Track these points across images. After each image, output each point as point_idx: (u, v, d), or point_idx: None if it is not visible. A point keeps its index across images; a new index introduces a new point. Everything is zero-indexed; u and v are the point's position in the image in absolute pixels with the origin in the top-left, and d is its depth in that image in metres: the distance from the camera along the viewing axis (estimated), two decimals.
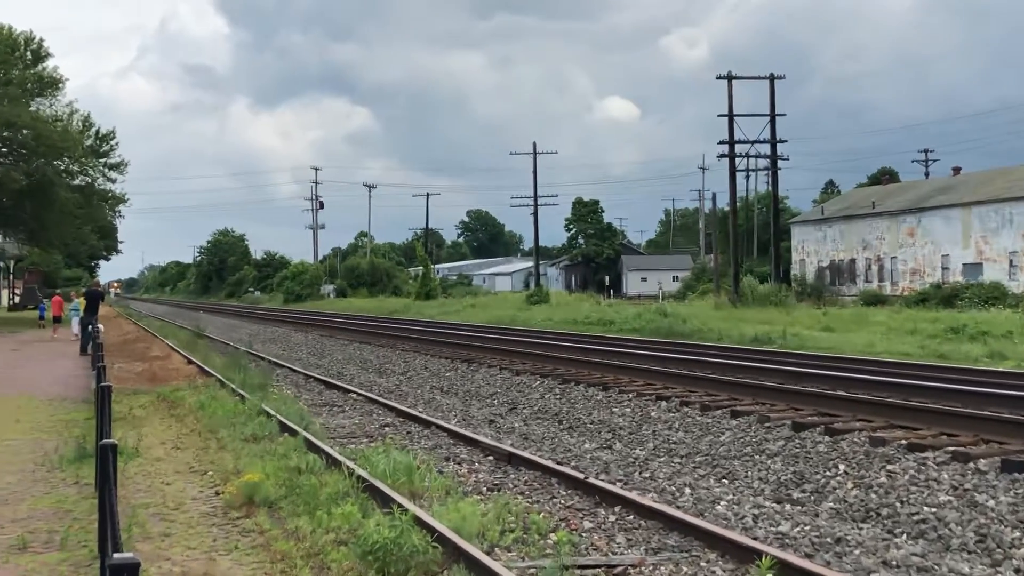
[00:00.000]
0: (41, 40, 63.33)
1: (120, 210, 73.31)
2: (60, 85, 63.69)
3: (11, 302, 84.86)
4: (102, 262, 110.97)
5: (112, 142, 69.69)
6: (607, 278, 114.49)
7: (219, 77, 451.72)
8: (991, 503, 9.34)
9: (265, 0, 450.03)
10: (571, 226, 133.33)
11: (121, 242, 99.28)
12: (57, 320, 40.19)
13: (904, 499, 9.71)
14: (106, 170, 68.04)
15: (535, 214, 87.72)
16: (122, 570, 3.02)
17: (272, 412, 14.87)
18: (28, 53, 63.07)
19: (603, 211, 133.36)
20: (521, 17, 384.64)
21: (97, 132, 68.46)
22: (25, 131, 55.98)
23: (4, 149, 57.38)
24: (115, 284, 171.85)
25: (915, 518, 9.13)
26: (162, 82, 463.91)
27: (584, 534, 8.80)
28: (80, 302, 35.32)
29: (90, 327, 27.69)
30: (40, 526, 8.51)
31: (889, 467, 10.89)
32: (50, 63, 63.79)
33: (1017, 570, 7.73)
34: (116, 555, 3.21)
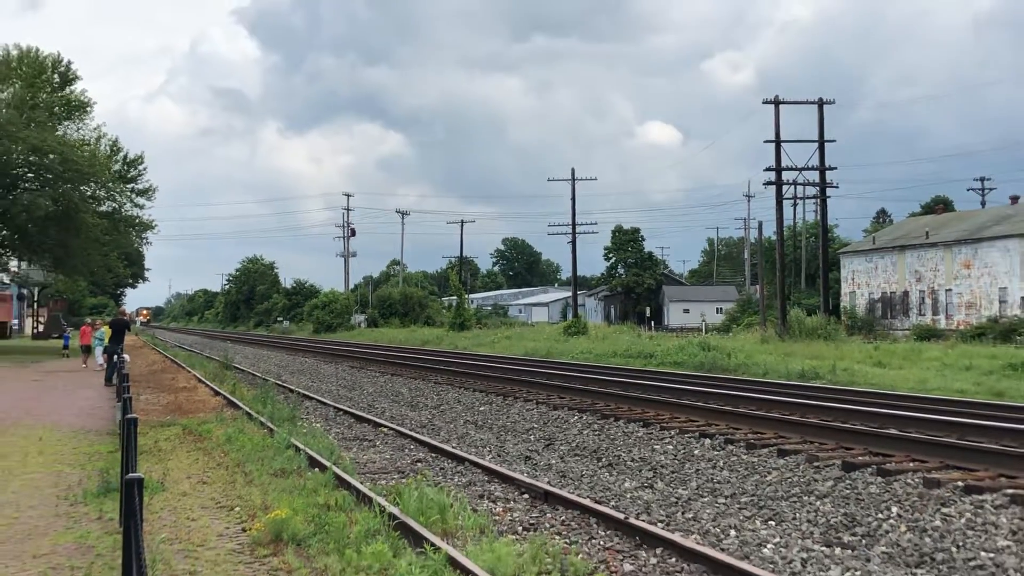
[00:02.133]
0: (69, 63, 64.25)
1: (147, 237, 73.88)
2: (88, 108, 64.56)
3: (35, 331, 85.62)
4: (128, 290, 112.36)
5: (140, 167, 70.50)
6: (648, 309, 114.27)
7: (249, 101, 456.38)
8: None
9: (297, 23, 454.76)
10: (611, 255, 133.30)
11: (148, 269, 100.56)
12: (87, 350, 40.47)
13: (960, 544, 9.60)
14: (134, 196, 68.78)
15: (573, 242, 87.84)
16: None
17: (301, 446, 14.88)
18: (55, 76, 63.96)
19: (644, 239, 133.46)
20: (560, 40, 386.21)
21: (125, 157, 69.28)
22: (51, 156, 56.60)
23: (30, 174, 58.03)
24: (144, 312, 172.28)
25: (972, 563, 9.02)
26: (192, 106, 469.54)
27: None
28: (105, 331, 35.59)
29: (115, 357, 27.91)
30: (62, 562, 8.56)
31: (944, 510, 10.79)
32: (77, 86, 64.70)
33: None
34: None
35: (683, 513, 11.57)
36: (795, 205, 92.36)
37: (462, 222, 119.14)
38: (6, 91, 61.57)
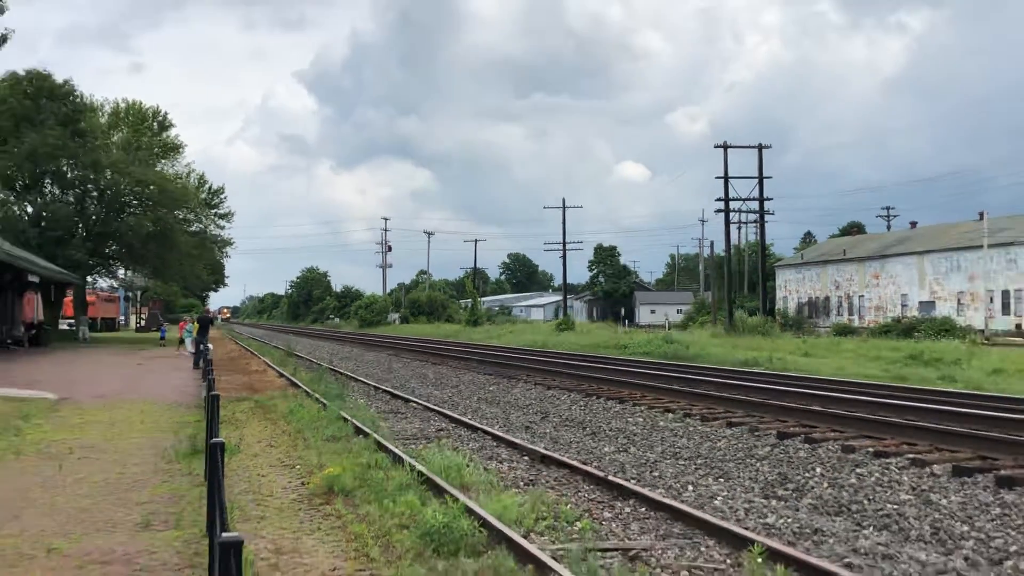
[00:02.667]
0: (166, 113, 64.56)
1: (227, 251, 74.24)
2: (180, 150, 64.88)
3: (137, 325, 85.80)
4: (211, 293, 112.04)
5: (222, 196, 70.79)
6: (623, 310, 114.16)
7: (308, 144, 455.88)
8: (944, 502, 9.21)
9: (346, 83, 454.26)
10: (593, 267, 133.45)
11: (227, 277, 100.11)
12: (182, 341, 40.38)
13: (871, 497, 9.58)
14: (216, 219, 69.04)
15: (563, 257, 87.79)
16: (229, 547, 3.02)
17: (348, 417, 14.89)
18: (155, 124, 64.19)
19: (620, 255, 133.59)
20: (554, 97, 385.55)
21: (210, 188, 69.56)
22: (152, 187, 56.86)
23: (135, 201, 58.22)
24: (224, 311, 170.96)
25: (880, 513, 9.00)
26: (262, 148, 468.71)
27: (604, 523, 8.73)
28: (194, 326, 35.65)
29: (201, 346, 27.94)
30: (160, 508, 8.56)
31: (858, 470, 10.77)
32: (173, 132, 64.98)
33: (966, 558, 7.59)
34: (224, 534, 3.22)
35: (651, 472, 11.55)
36: (740, 228, 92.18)
37: (476, 241, 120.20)
38: (116, 136, 61.78)
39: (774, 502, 9.77)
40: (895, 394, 18.06)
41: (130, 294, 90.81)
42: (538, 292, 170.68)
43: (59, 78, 55.46)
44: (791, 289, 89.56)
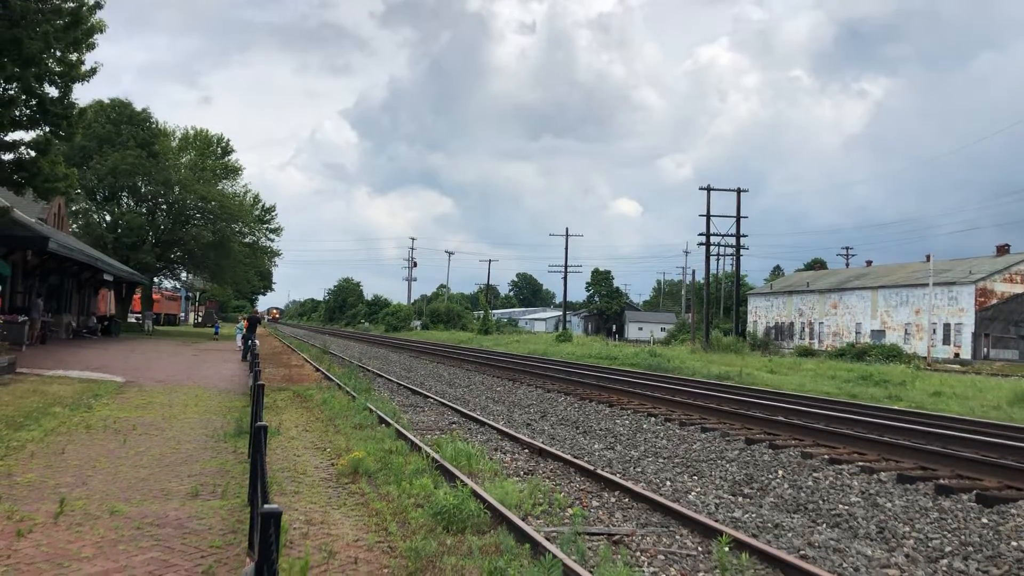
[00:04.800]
0: (228, 140, 65.02)
1: (275, 260, 74.52)
2: (239, 172, 65.30)
3: (196, 321, 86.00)
4: (260, 296, 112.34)
5: (273, 213, 71.16)
6: (614, 326, 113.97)
7: (348, 172, 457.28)
8: (889, 505, 9.13)
9: (384, 121, 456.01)
10: (590, 288, 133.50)
11: (274, 283, 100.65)
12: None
13: (825, 498, 9.50)
14: (267, 232, 69.35)
15: (565, 278, 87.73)
16: (269, 516, 3.01)
17: (373, 408, 14.87)
18: (219, 149, 64.61)
19: (613, 279, 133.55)
20: (561, 140, 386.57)
21: (263, 206, 69.94)
22: (213, 203, 57.16)
23: (198, 215, 58.50)
24: (274, 311, 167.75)
25: (832, 513, 8.93)
26: (309, 174, 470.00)
27: (592, 510, 8.68)
28: (243, 324, 35.68)
29: (249, 342, 27.94)
30: (208, 480, 8.55)
31: (815, 474, 10.69)
32: (233, 156, 65.40)
33: (907, 555, 7.51)
34: (265, 506, 3.20)
35: (634, 468, 11.49)
36: (718, 259, 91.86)
37: (489, 261, 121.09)
38: (185, 158, 62.13)
39: (741, 499, 9.70)
40: (848, 409, 17.95)
41: (190, 294, 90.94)
42: (541, 307, 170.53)
43: (138, 107, 56.04)
44: (760, 314, 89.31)
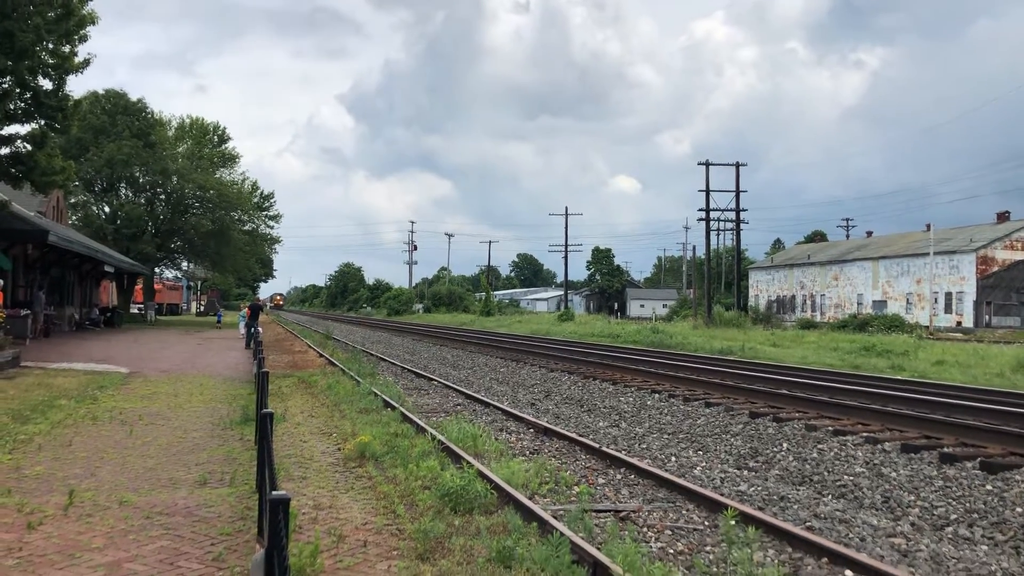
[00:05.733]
0: (225, 128, 64.83)
1: (275, 248, 74.46)
2: (237, 160, 65.14)
3: (198, 310, 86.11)
4: (261, 283, 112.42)
5: (271, 200, 71.04)
6: (615, 304, 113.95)
7: (345, 157, 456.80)
8: (893, 475, 9.16)
9: (380, 105, 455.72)
10: (591, 266, 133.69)
11: (275, 270, 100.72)
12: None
13: (830, 470, 9.54)
14: (267, 219, 69.24)
15: (565, 257, 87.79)
16: (278, 503, 3.02)
17: (378, 392, 14.89)
18: (216, 137, 64.41)
19: (614, 256, 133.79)
20: (559, 119, 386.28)
21: (261, 193, 69.80)
22: (212, 191, 57.06)
23: (197, 204, 58.43)
24: (278, 298, 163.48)
25: (838, 484, 8.96)
26: (306, 159, 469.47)
27: (598, 487, 8.72)
28: (246, 312, 35.69)
29: (252, 329, 27.97)
30: (216, 468, 8.58)
31: (819, 446, 10.73)
32: (230, 144, 65.32)
33: (912, 523, 7.55)
34: (273, 492, 3.21)
35: (639, 445, 11.53)
36: (718, 234, 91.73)
37: (490, 242, 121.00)
38: (182, 147, 61.96)
39: (746, 472, 9.74)
40: (851, 381, 17.98)
41: (191, 283, 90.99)
42: (543, 287, 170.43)
43: (133, 97, 55.80)
44: (762, 288, 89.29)
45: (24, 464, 8.51)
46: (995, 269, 63.59)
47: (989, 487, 8.53)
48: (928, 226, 68.17)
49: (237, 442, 10.16)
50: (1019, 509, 7.80)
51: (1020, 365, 22.00)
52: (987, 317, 62.50)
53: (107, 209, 57.12)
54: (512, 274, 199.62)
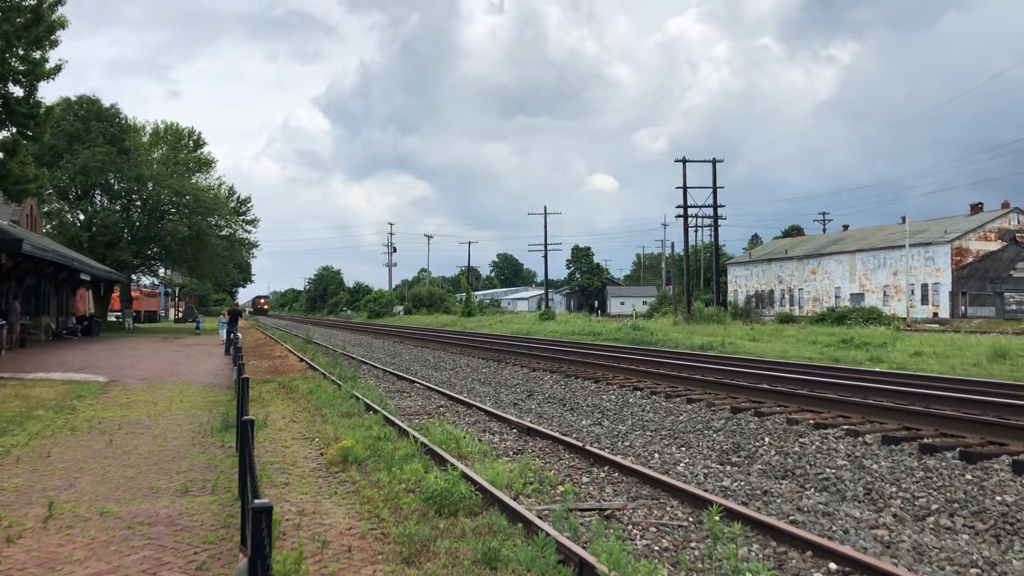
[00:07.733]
0: (200, 133, 64.33)
1: (253, 252, 73.94)
2: (212, 164, 64.59)
3: (176, 316, 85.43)
4: (240, 288, 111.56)
5: (248, 205, 70.36)
6: (596, 302, 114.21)
7: (322, 159, 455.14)
8: (875, 467, 9.23)
9: (356, 107, 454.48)
10: (571, 265, 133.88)
11: (254, 274, 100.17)
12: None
13: (812, 463, 9.60)
14: (244, 224, 68.65)
15: (545, 257, 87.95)
16: (260, 512, 2.98)
17: (360, 396, 14.83)
18: (191, 142, 63.87)
19: (593, 255, 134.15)
20: (535, 119, 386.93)
21: (238, 198, 69.14)
22: (188, 197, 56.61)
23: (173, 209, 57.97)
24: (261, 301, 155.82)
25: (820, 477, 9.02)
26: (283, 163, 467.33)
27: (583, 486, 8.72)
28: (225, 317, 35.47)
29: (232, 335, 27.78)
30: (197, 476, 8.50)
31: (801, 440, 10.79)
32: (206, 149, 64.74)
33: (894, 515, 7.61)
34: (256, 500, 3.17)
35: (622, 442, 11.55)
36: (696, 231, 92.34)
37: (469, 243, 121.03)
38: (157, 153, 61.45)
39: (729, 467, 9.78)
40: (831, 374, 18.10)
41: (169, 290, 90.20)
42: (523, 287, 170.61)
43: (106, 103, 55.33)
44: (740, 283, 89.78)
45: (1, 477, 8.39)
46: (970, 260, 64.33)
47: (968, 476, 8.61)
48: (903, 218, 68.91)
49: (218, 449, 10.07)
50: (998, 498, 7.88)
51: (996, 354, 22.26)
52: (963, 307, 63.21)
53: (82, 216, 56.51)
54: (492, 274, 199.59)
